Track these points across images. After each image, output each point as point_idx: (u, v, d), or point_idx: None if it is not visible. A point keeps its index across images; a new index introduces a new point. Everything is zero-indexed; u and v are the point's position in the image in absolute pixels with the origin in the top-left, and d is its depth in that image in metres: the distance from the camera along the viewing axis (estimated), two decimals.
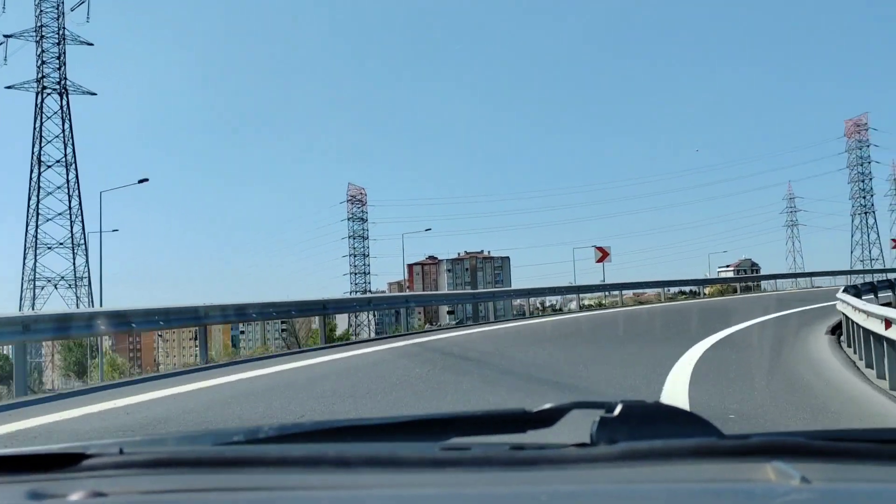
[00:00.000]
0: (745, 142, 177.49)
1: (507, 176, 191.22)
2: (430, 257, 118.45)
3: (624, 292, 26.02)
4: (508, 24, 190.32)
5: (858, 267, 77.98)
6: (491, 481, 0.90)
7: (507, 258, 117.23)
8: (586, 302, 27.84)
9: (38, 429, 5.31)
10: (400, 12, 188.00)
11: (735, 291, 32.77)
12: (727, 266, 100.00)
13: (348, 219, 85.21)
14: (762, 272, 75.87)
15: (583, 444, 0.97)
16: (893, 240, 37.16)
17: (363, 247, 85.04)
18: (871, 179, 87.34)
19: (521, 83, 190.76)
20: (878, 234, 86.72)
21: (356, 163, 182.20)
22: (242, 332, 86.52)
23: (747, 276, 33.38)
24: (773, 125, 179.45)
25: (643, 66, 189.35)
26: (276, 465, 0.96)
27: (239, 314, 13.04)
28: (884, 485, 0.88)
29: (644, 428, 0.99)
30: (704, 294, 31.75)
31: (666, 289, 29.27)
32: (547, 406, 1.06)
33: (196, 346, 11.84)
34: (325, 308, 15.06)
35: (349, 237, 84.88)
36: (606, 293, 28.29)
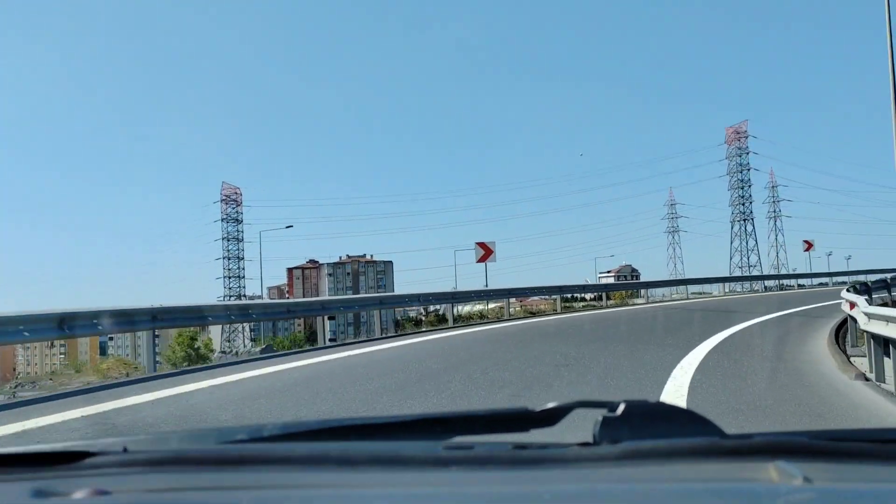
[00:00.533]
0: (631, 147, 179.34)
1: (393, 179, 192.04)
2: (311, 261, 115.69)
3: (512, 300, 20.63)
4: (396, 28, 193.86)
5: (738, 273, 78.92)
6: (494, 480, 0.90)
7: (391, 262, 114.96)
8: (466, 309, 22.43)
9: None
10: (283, 14, 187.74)
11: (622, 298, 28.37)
12: (608, 272, 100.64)
13: (222, 220, 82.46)
14: (642, 278, 75.19)
15: (586, 444, 0.97)
16: (806, 241, 36.72)
17: (238, 249, 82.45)
18: (750, 186, 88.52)
19: (411, 88, 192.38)
20: (756, 240, 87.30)
21: (233, 164, 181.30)
22: (111, 339, 73.46)
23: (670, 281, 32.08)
24: (658, 131, 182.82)
25: (533, 75, 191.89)
26: (280, 464, 0.96)
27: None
28: (886, 485, 0.88)
29: (647, 427, 0.99)
30: (607, 302, 25.62)
31: (555, 295, 23.37)
32: (550, 405, 1.06)
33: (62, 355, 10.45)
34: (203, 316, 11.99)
35: (223, 239, 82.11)
36: (487, 301, 22.09)
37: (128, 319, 10.24)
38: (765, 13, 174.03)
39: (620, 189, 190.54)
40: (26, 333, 8.63)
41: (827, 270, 40.39)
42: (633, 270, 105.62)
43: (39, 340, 9.75)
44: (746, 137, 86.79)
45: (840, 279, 35.81)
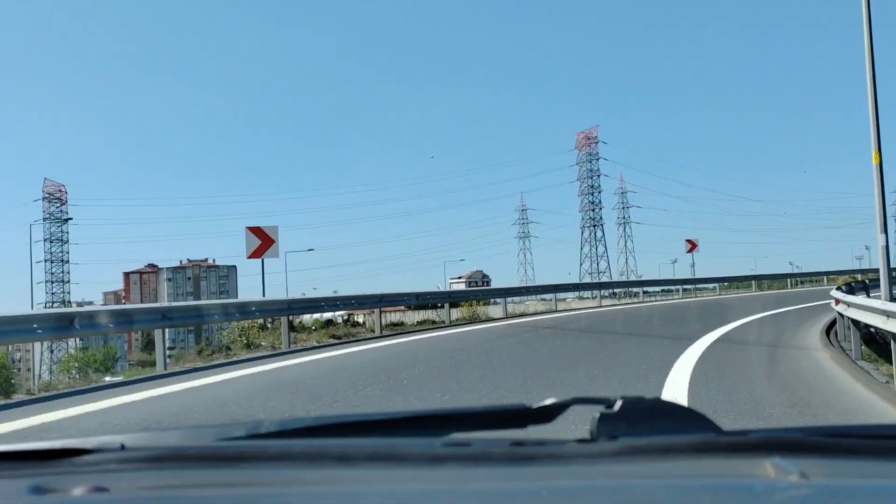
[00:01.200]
0: (483, 151, 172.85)
1: (237, 179, 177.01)
2: (150, 265, 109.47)
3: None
4: (254, 31, 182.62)
5: (587, 280, 77.79)
6: (492, 477, 0.91)
7: (234, 267, 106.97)
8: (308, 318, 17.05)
9: None
10: (126, 4, 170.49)
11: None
12: (459, 277, 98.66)
13: (44, 219, 76.56)
14: (493, 284, 73.55)
15: (583, 440, 0.98)
16: (689, 241, 34.86)
17: (62, 252, 77.38)
18: (600, 192, 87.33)
19: (274, 86, 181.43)
20: (605, 246, 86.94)
21: (62, 159, 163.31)
22: None
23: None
24: (510, 135, 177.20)
25: (384, 79, 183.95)
26: (278, 461, 0.96)
27: None
28: (882, 480, 0.89)
29: (644, 424, 0.99)
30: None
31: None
32: (547, 402, 1.06)
33: None
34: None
35: (44, 240, 76.31)
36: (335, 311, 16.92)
37: None
38: (617, 17, 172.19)
39: (472, 193, 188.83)
40: None
41: (673, 277, 37.56)
42: (485, 276, 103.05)
43: None
44: (597, 143, 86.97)
45: (687, 287, 32.71)
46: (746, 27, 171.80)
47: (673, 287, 33.74)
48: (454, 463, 0.93)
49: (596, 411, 1.00)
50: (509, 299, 23.95)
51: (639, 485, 0.87)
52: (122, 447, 1.02)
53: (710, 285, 33.60)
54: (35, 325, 8.71)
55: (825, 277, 36.35)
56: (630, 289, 37.08)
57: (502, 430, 1.08)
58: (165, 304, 11.98)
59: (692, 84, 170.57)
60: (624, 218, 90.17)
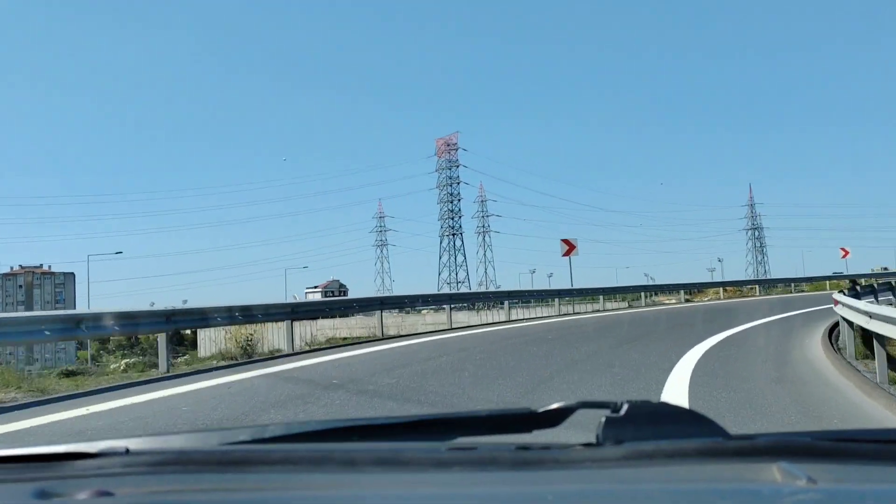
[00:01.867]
0: (341, 156, 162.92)
1: (79, 180, 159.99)
2: None
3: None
4: (98, 28, 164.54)
5: (446, 290, 75.05)
6: (497, 481, 0.90)
7: (72, 274, 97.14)
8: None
9: None
10: None
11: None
12: (315, 287, 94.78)
13: None
14: (350, 294, 72.30)
15: (589, 444, 0.97)
16: (566, 241, 32.74)
17: None
18: (459, 200, 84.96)
19: (103, 84, 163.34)
20: (464, 256, 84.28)
21: None
22: None
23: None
24: (369, 139, 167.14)
25: (238, 81, 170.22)
26: (283, 465, 0.96)
27: None
28: (890, 486, 0.88)
29: (650, 428, 0.99)
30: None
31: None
32: (553, 406, 1.06)
33: None
34: None
35: None
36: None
37: None
38: (480, 24, 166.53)
39: (329, 199, 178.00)
40: None
41: (532, 289, 34.15)
42: (342, 286, 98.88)
43: None
44: (457, 150, 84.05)
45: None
46: (608, 39, 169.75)
47: (551, 298, 26.69)
48: (459, 467, 0.93)
49: (602, 415, 1.00)
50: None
51: (645, 489, 0.87)
52: (127, 451, 1.02)
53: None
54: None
55: (682, 291, 31.75)
56: (491, 301, 33.96)
57: (507, 434, 1.07)
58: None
59: (555, 94, 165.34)
60: (483, 227, 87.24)
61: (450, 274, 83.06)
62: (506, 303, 24.50)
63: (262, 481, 0.94)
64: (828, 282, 35.09)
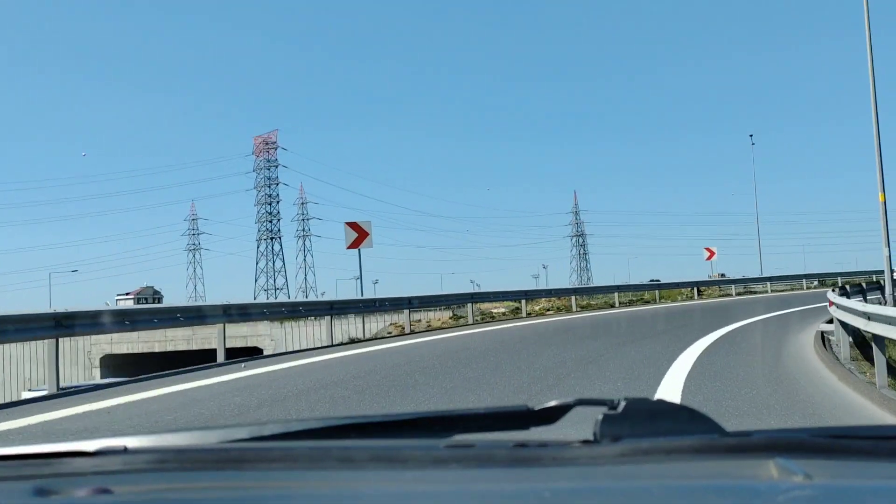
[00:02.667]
0: (149, 151, 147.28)
1: None
2: None
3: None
4: None
5: (262, 297, 71.49)
6: (495, 478, 0.91)
7: None
8: None
9: None
10: None
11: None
12: (126, 294, 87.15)
13: None
14: (165, 301, 65.39)
15: (586, 441, 0.98)
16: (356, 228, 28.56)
17: None
18: (278, 202, 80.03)
19: None
20: (283, 261, 79.46)
21: None
22: None
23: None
24: (182, 135, 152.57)
25: (38, 72, 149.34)
26: (281, 463, 0.96)
27: None
28: (886, 481, 0.89)
29: (647, 425, 0.99)
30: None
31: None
32: (550, 403, 1.06)
33: None
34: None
35: None
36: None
37: None
38: (303, 28, 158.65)
39: (137, 199, 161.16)
40: None
41: (362, 297, 26.99)
42: (156, 292, 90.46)
43: None
44: (276, 149, 78.87)
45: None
46: (437, 47, 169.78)
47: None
48: (457, 465, 0.93)
49: (599, 412, 1.00)
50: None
51: (642, 486, 0.87)
52: (126, 449, 1.02)
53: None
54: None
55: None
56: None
57: (505, 431, 1.08)
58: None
59: (383, 100, 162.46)
60: (303, 231, 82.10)
61: (267, 280, 77.94)
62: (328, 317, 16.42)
63: (260, 479, 0.94)
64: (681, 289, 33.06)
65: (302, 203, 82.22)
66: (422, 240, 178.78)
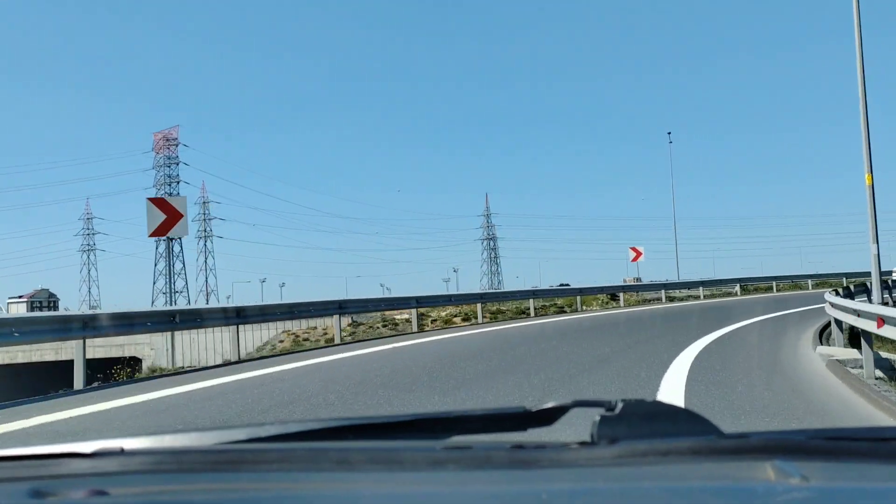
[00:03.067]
0: (42, 147, 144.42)
1: None
2: None
3: None
4: None
5: (161, 301, 68.17)
6: (492, 480, 0.91)
7: None
8: None
9: None
10: None
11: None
12: (20, 297, 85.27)
13: None
14: (62, 306, 63.31)
15: (584, 443, 0.98)
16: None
17: None
18: None
19: None
20: (183, 263, 75.98)
21: None
22: None
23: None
24: (77, 129, 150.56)
25: None
26: (278, 464, 0.96)
27: None
28: (883, 483, 0.89)
29: (644, 426, 0.99)
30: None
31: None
32: (548, 405, 1.06)
33: None
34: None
35: None
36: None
37: None
38: (208, 24, 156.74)
39: (30, 195, 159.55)
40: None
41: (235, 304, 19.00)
42: (52, 296, 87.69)
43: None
44: (177, 145, 75.04)
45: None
46: (352, 50, 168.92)
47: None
48: (454, 466, 0.93)
49: (596, 414, 1.00)
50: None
51: (639, 488, 0.87)
52: (122, 451, 1.02)
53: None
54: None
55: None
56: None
57: (502, 433, 1.07)
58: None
59: (291, 97, 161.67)
60: (205, 231, 78.80)
61: (166, 283, 72.83)
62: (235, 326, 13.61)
63: (257, 480, 0.94)
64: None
65: (204, 202, 79.27)
66: (331, 242, 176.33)
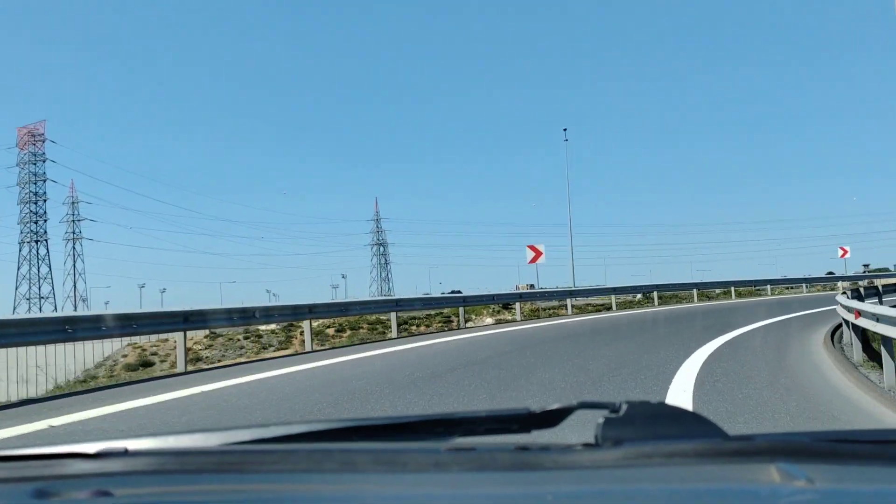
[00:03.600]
0: None
1: None
2: None
3: None
4: None
5: (23, 307, 64.34)
6: (496, 482, 0.90)
7: None
8: None
9: None
10: None
11: None
12: None
13: None
14: None
15: (588, 445, 0.97)
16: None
17: None
18: (45, 201, 71.49)
19: None
20: (49, 266, 72.02)
21: None
22: None
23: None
24: None
25: None
26: (282, 465, 0.96)
27: None
28: (888, 486, 0.88)
29: (649, 428, 0.99)
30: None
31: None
32: (552, 406, 1.06)
33: None
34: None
35: None
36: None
37: None
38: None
39: None
40: None
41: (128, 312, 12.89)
42: None
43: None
44: (44, 142, 70.54)
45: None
46: (230, 53, 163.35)
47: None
48: (458, 468, 0.93)
49: (601, 416, 1.00)
50: None
51: (644, 490, 0.87)
52: (126, 451, 1.02)
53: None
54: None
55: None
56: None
57: (506, 434, 1.07)
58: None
59: (173, 97, 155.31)
60: (73, 233, 73.89)
61: (30, 288, 69.72)
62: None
63: (261, 481, 0.94)
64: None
65: (73, 202, 74.22)
66: (213, 245, 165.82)
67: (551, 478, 0.90)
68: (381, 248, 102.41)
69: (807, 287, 39.70)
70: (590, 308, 28.45)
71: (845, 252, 42.48)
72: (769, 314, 18.32)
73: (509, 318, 23.54)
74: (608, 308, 27.02)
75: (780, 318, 16.94)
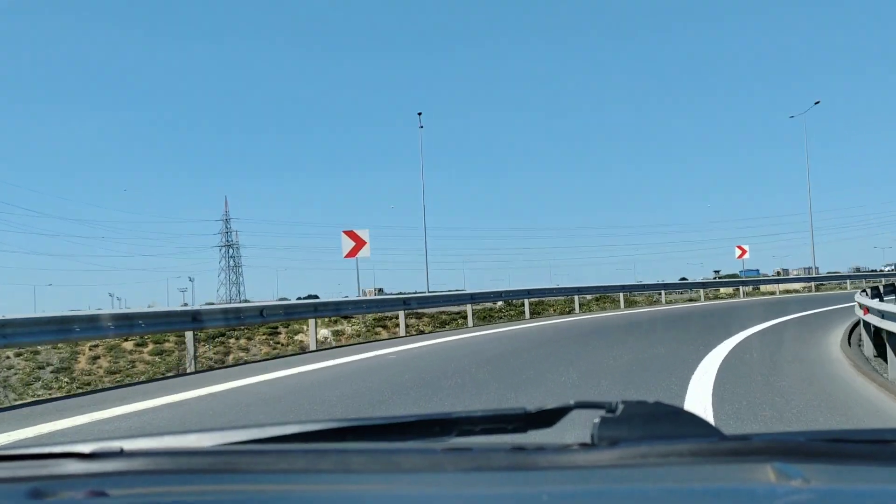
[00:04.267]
0: None
1: None
2: None
3: None
4: None
5: None
6: (492, 482, 0.90)
7: None
8: None
9: None
10: None
11: None
12: None
13: None
14: None
15: (584, 445, 0.97)
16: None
17: None
18: None
19: None
20: None
21: None
22: None
23: None
24: None
25: None
26: (277, 466, 0.96)
27: None
28: (884, 485, 0.88)
29: (645, 428, 0.99)
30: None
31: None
32: (548, 406, 1.06)
33: None
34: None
35: None
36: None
37: None
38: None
39: None
40: None
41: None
42: None
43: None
44: None
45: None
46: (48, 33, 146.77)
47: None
48: (454, 468, 0.93)
49: (597, 415, 1.00)
50: None
51: (640, 490, 0.87)
52: (122, 451, 1.01)
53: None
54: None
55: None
56: None
57: (502, 434, 1.07)
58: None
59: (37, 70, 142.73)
60: None
61: None
62: None
63: (257, 482, 0.94)
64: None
65: None
66: (44, 245, 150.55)
67: (548, 478, 0.90)
68: (231, 250, 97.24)
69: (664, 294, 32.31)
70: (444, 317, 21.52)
71: (744, 252, 38.64)
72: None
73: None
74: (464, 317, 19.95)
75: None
